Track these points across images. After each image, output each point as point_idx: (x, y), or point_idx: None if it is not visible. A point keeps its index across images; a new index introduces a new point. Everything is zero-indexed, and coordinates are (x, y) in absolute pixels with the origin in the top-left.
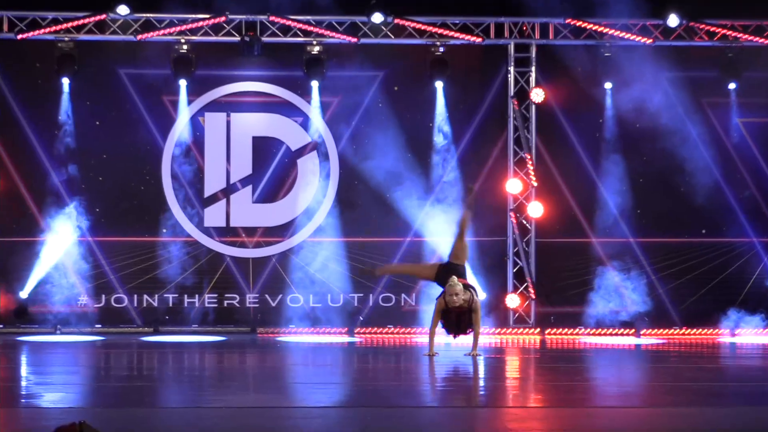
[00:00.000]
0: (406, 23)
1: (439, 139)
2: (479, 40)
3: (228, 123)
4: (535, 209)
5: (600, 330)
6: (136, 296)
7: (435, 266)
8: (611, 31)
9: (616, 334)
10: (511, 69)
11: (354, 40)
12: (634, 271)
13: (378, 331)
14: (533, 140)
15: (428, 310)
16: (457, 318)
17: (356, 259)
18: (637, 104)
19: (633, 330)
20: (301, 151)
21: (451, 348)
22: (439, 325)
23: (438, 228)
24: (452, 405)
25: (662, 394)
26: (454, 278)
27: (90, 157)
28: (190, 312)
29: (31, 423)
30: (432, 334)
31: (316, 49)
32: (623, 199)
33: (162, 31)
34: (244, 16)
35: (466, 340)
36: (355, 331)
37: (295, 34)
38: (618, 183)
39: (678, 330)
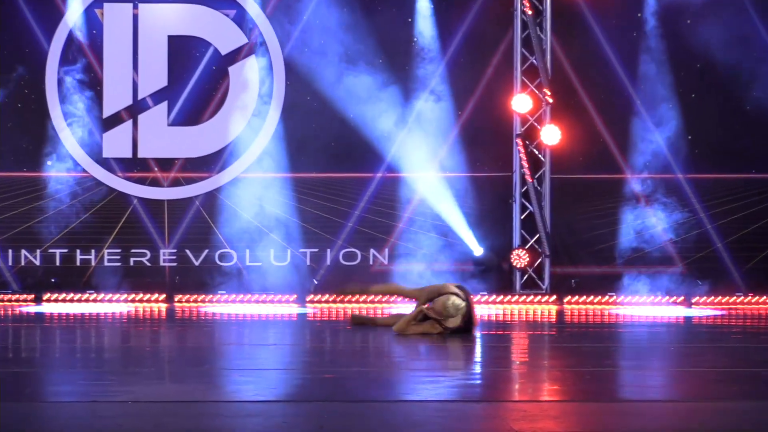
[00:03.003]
0: None
1: (420, 40)
2: None
3: (135, 17)
4: (551, 135)
5: (637, 297)
6: (11, 252)
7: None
8: None
9: (660, 303)
10: None
11: None
12: (683, 218)
13: (338, 299)
14: (548, 42)
15: (404, 272)
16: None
17: (308, 201)
18: None
19: (682, 297)
20: (235, 56)
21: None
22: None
23: (418, 160)
24: (438, 399)
25: (719, 383)
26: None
27: None
28: (84, 273)
29: None
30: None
31: None
32: (669, 122)
33: None
34: None
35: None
36: (307, 299)
37: None
38: (662, 99)
39: (741, 297)
